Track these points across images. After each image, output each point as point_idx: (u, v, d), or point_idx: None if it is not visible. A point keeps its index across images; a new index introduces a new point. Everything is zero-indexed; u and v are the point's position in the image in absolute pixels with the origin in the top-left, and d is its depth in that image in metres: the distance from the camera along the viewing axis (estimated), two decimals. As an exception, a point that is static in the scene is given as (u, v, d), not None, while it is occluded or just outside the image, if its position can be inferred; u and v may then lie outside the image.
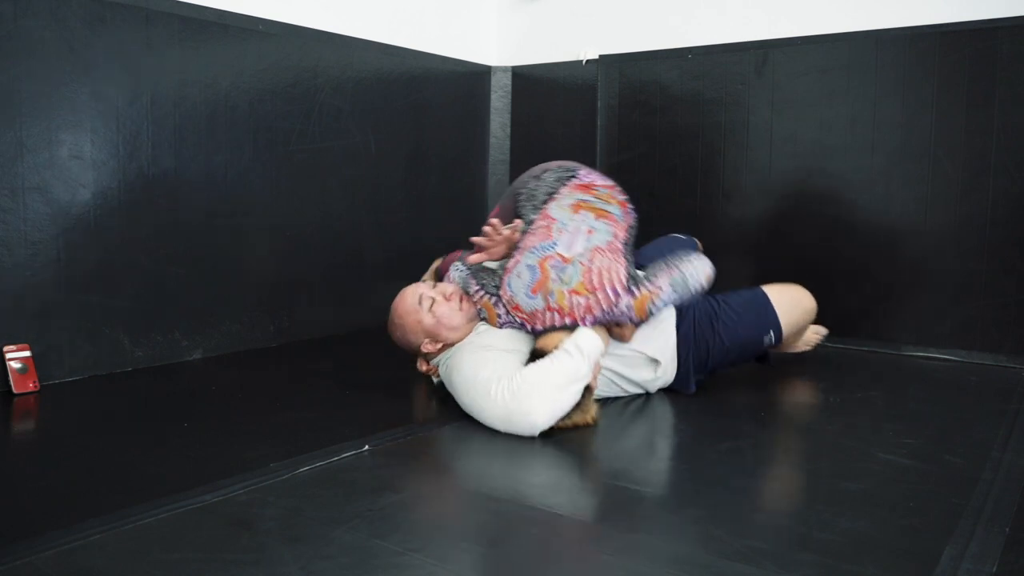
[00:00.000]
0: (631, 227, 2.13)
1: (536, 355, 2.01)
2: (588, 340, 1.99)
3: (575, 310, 2.01)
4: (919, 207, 2.84)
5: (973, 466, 1.75)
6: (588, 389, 1.98)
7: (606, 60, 3.47)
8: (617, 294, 2.02)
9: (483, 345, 2.09)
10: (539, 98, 3.71)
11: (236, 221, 2.77)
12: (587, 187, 2.12)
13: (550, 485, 1.70)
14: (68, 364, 2.38)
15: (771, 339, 2.34)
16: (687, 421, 2.12)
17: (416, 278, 3.49)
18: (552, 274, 2.02)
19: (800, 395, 2.42)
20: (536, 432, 1.90)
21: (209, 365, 2.63)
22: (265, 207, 2.86)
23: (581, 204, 2.09)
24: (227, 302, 2.77)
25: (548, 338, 2.03)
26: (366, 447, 1.82)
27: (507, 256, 2.19)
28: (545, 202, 2.10)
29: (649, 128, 3.39)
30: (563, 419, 1.93)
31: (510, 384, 1.90)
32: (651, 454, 1.94)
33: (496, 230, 2.17)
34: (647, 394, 2.31)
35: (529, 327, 2.08)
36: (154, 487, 1.57)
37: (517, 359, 2.03)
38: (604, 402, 2.22)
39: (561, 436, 1.99)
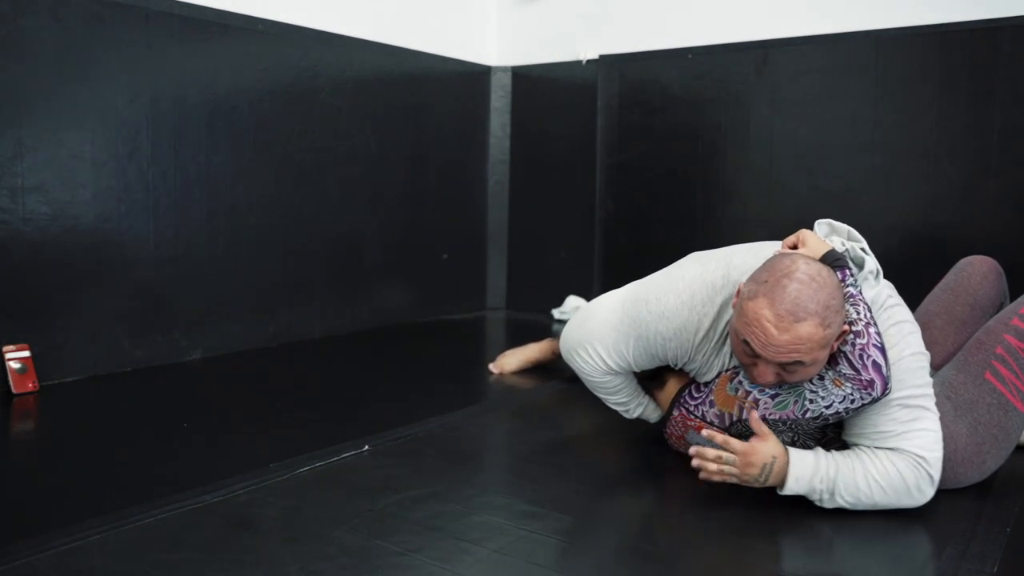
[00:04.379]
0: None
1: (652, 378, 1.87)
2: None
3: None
4: (919, 207, 2.84)
5: (973, 466, 1.74)
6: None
7: (606, 60, 3.46)
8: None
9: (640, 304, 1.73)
10: (539, 98, 3.71)
11: (236, 221, 2.77)
12: None
13: (549, 484, 1.70)
14: (68, 364, 2.38)
15: None
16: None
17: (415, 278, 3.51)
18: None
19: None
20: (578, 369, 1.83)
21: (209, 365, 2.62)
22: (265, 207, 2.86)
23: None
24: (227, 302, 2.77)
25: (670, 387, 1.84)
26: (366, 447, 1.82)
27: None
28: None
29: (649, 128, 3.39)
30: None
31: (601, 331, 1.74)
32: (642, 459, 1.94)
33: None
34: None
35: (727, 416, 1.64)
36: (154, 487, 1.57)
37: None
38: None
39: (560, 445, 1.98)
